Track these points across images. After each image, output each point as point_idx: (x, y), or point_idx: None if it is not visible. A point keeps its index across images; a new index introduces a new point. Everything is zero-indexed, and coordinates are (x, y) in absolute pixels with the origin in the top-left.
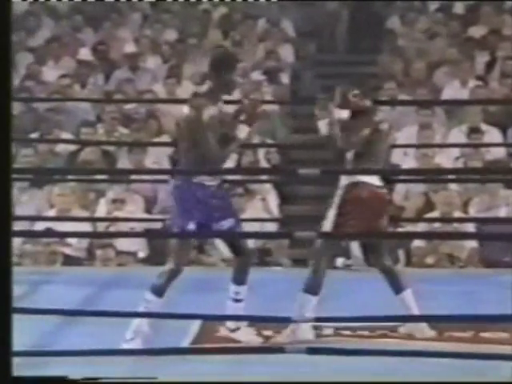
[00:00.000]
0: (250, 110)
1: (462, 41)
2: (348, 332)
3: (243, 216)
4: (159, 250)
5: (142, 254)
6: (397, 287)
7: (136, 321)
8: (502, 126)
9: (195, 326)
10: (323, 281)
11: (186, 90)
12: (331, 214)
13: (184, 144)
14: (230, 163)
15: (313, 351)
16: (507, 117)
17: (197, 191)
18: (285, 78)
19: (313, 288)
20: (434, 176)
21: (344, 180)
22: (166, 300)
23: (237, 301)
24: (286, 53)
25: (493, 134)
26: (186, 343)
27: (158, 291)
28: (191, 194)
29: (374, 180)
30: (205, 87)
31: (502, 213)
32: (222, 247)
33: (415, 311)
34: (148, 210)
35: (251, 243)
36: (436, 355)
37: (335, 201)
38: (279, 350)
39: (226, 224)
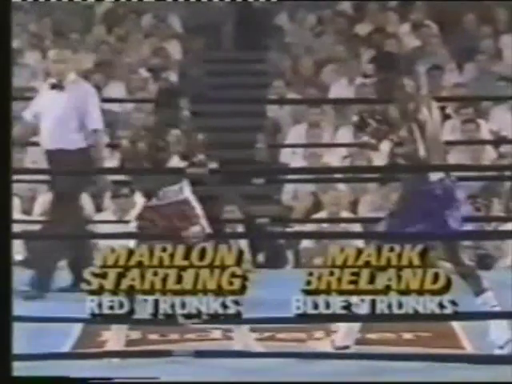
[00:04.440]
0: None
1: (349, 38)
2: None
3: (128, 217)
4: (37, 253)
5: (19, 257)
6: None
7: None
8: None
9: (77, 329)
10: None
11: None
12: None
13: None
14: (113, 163)
15: (200, 354)
16: None
17: None
18: (172, 76)
19: None
20: (322, 175)
21: None
22: (50, 303)
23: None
24: (174, 49)
25: None
26: (67, 347)
27: None
28: None
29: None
30: None
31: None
32: None
33: None
34: (25, 211)
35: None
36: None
37: None
38: (166, 353)
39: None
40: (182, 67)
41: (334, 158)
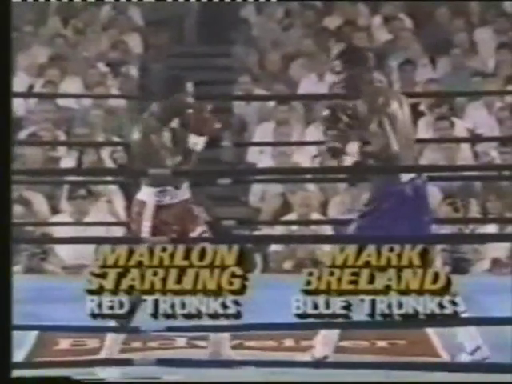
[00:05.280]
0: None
1: (318, 31)
2: (202, 343)
3: (87, 219)
4: None
5: None
6: None
7: None
8: None
9: (31, 338)
10: None
11: (20, 82)
12: None
13: None
14: (70, 163)
15: (163, 363)
16: None
17: None
18: (132, 71)
19: None
20: (291, 176)
21: None
22: None
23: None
24: (134, 43)
25: None
26: (20, 357)
27: None
28: None
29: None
30: None
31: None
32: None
33: None
34: None
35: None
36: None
37: None
38: (128, 362)
39: None
40: (142, 61)
41: (303, 157)
